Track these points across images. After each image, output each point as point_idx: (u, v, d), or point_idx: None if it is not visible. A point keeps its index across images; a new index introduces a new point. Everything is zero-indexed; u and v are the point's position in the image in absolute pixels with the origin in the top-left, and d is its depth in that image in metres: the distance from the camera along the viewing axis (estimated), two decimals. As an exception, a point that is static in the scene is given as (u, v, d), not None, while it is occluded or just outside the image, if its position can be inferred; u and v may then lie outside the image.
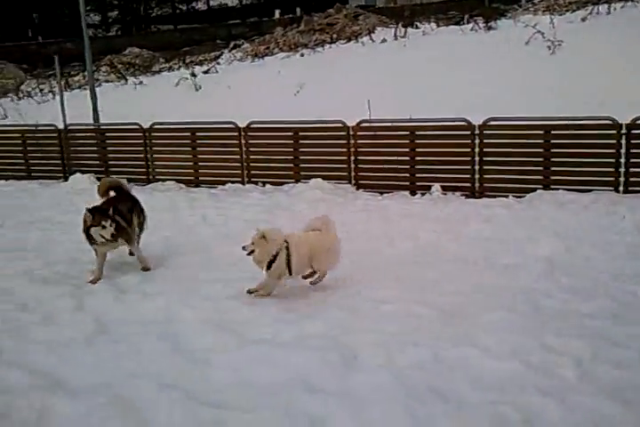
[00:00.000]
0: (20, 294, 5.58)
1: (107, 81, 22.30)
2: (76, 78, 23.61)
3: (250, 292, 5.24)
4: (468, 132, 9.08)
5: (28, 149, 12.20)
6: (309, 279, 5.47)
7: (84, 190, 10.16)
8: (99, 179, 11.17)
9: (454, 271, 5.77)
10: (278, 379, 3.84)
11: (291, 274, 5.22)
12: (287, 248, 5.11)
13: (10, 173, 12.24)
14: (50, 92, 21.99)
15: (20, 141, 12.31)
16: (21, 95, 22.48)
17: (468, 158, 9.13)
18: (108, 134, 11.81)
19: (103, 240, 5.71)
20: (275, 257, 5.08)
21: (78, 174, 11.31)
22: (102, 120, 13.26)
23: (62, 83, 14.10)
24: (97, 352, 4.34)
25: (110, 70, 24.23)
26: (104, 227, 5.64)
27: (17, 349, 4.45)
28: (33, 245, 7.25)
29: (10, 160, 12.42)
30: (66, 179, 11.60)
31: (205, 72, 21.45)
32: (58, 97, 15.47)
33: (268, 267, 5.12)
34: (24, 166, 12.24)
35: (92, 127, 12.50)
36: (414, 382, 3.73)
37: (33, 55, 26.55)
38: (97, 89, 14.20)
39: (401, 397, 3.59)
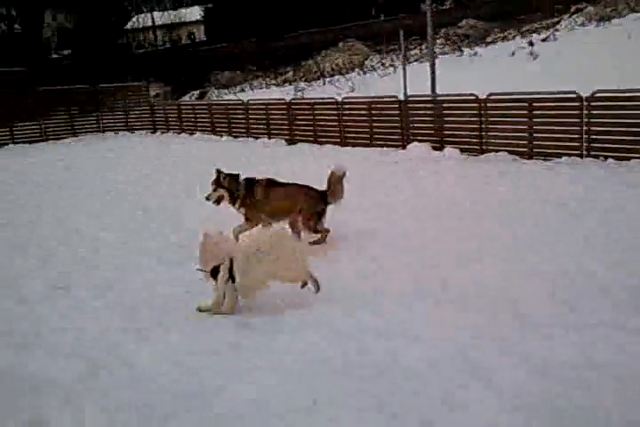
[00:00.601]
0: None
1: (442, 53, 22.82)
2: (413, 52, 24.64)
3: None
4: None
5: (373, 118, 13.30)
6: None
7: (422, 159, 10.73)
8: (434, 148, 11.73)
9: None
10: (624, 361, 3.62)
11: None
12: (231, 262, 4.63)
13: (355, 141, 13.57)
14: (390, 65, 23.46)
15: (365, 112, 13.50)
16: (366, 69, 24.48)
17: None
18: (444, 105, 12.16)
19: None
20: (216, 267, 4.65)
21: (416, 143, 11.95)
22: (438, 91, 13.70)
23: (403, 57, 14.92)
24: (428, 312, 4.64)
25: (446, 42, 24.74)
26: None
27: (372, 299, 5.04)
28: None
29: (356, 129, 13.74)
30: (404, 147, 12.36)
31: (543, 40, 20.43)
32: (398, 70, 16.49)
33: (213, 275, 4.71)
34: (368, 135, 13.42)
35: (429, 98, 13.03)
36: None
37: (375, 32, 28.61)
38: (434, 61, 14.62)
39: None
